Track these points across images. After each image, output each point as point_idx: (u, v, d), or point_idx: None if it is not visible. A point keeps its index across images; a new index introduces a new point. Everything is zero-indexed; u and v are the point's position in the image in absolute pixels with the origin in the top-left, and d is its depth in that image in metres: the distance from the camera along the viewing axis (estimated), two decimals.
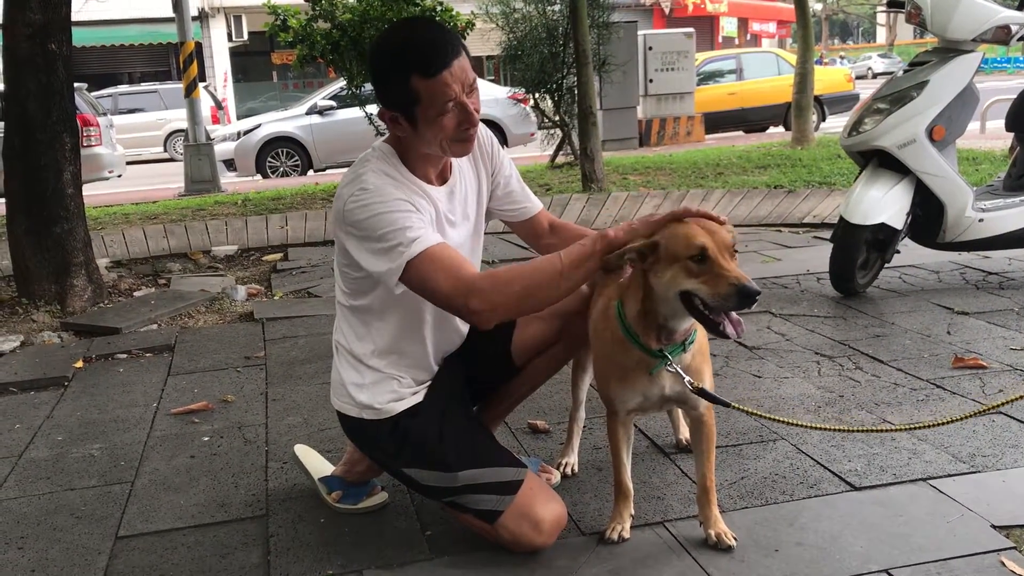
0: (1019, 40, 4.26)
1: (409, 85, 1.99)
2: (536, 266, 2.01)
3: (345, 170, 2.20)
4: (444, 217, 2.19)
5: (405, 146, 2.14)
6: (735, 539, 2.17)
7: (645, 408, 2.20)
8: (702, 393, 2.06)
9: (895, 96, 4.21)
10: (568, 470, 2.62)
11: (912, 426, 2.47)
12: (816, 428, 2.40)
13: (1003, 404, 2.26)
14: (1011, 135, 4.79)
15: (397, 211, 2.00)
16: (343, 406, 2.28)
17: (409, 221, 1.99)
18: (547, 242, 2.45)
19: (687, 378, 2.05)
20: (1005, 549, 2.11)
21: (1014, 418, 2.84)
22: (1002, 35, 4.15)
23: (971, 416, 2.22)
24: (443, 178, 2.23)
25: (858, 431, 2.77)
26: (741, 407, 2.13)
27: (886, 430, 2.53)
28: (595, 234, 2.03)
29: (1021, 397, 2.22)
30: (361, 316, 2.24)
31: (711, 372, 2.20)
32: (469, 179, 2.31)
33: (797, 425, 2.22)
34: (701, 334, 2.14)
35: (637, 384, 2.11)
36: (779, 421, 2.27)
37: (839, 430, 2.60)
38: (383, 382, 2.22)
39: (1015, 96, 4.74)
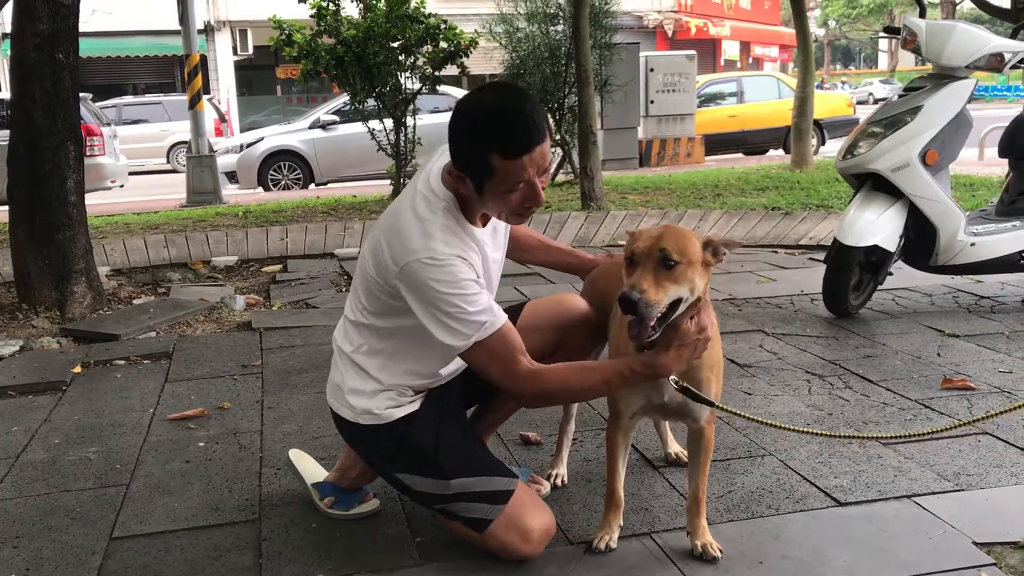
0: (1012, 68, 4.32)
1: (487, 159, 1.99)
2: (580, 382, 2.14)
3: (397, 211, 2.17)
4: (490, 257, 2.23)
5: (463, 196, 2.14)
6: (721, 551, 2.20)
7: (648, 413, 2.24)
8: (685, 391, 2.10)
9: (889, 120, 4.27)
10: (558, 481, 2.66)
11: (889, 437, 2.51)
12: (794, 431, 2.44)
13: (981, 419, 2.30)
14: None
15: (468, 293, 2.03)
16: (340, 409, 2.31)
17: (477, 305, 2.04)
18: (527, 245, 2.65)
19: (672, 376, 2.07)
20: (986, 565, 2.14)
21: (999, 438, 2.88)
22: (995, 62, 4.22)
23: (943, 431, 2.26)
24: (486, 218, 2.25)
25: (831, 436, 2.81)
26: (726, 408, 2.18)
27: (862, 437, 2.57)
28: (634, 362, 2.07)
29: (1000, 413, 2.25)
30: (380, 335, 2.24)
31: (718, 386, 2.20)
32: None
33: (776, 427, 2.26)
34: (714, 348, 2.16)
35: (642, 386, 2.14)
36: (761, 422, 2.30)
37: (814, 434, 2.64)
38: (384, 392, 2.25)
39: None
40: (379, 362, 2.25)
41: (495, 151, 1.97)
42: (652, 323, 1.93)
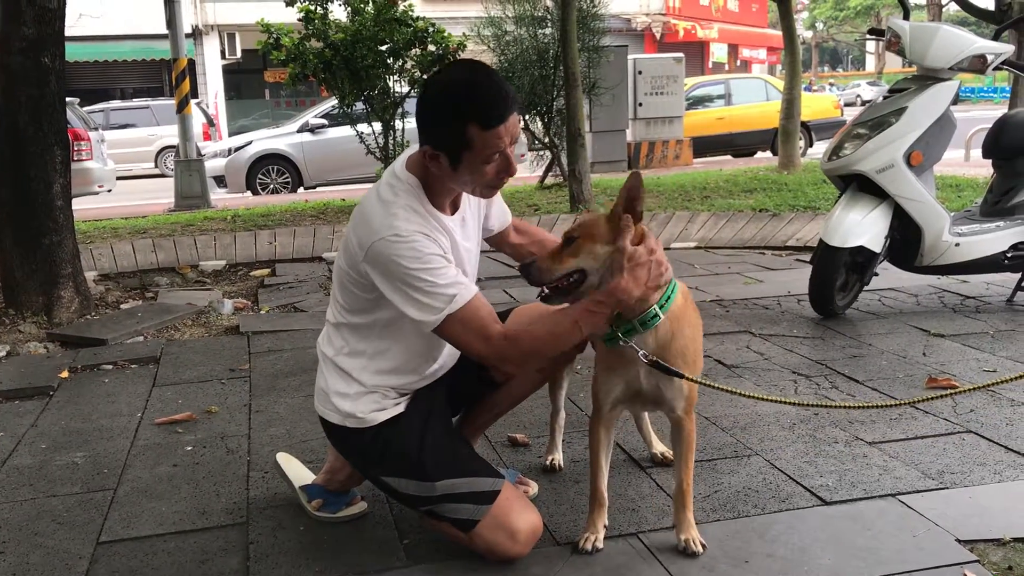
0: (994, 69, 4.35)
1: (464, 132, 2.04)
2: (551, 329, 2.13)
3: (366, 197, 2.21)
4: (460, 245, 2.25)
5: (432, 180, 2.18)
6: (704, 546, 2.22)
7: (627, 401, 2.26)
8: (655, 364, 2.13)
9: (874, 122, 4.30)
10: (555, 464, 2.75)
11: (851, 407, 2.52)
12: (757, 398, 2.44)
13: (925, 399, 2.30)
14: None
15: (434, 267, 2.06)
16: (327, 413, 2.32)
17: (445, 278, 2.06)
18: (518, 241, 2.59)
19: (641, 351, 2.12)
20: (969, 562, 2.16)
21: (983, 436, 2.90)
22: (978, 64, 4.25)
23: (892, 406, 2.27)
24: (455, 207, 2.28)
25: (798, 404, 2.82)
26: (697, 380, 2.19)
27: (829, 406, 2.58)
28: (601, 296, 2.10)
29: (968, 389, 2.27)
30: (360, 332, 2.26)
31: (694, 373, 2.20)
32: (472, 204, 2.37)
33: (739, 394, 2.26)
34: (689, 339, 2.19)
35: (619, 370, 2.19)
36: (723, 390, 2.29)
37: (782, 402, 2.65)
38: (368, 394, 2.26)
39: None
40: (361, 363, 2.26)
41: (473, 123, 2.03)
42: (546, 289, 2.14)
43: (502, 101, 2.04)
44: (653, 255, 2.08)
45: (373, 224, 2.10)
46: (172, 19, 11.14)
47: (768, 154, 15.67)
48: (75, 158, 10.17)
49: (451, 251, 2.17)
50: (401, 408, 2.29)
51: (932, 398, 2.27)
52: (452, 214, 2.26)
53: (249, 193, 13.41)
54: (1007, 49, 4.29)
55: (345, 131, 10.86)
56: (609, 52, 12.14)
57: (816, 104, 16.46)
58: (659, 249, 2.11)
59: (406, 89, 9.45)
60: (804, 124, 13.83)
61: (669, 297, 2.13)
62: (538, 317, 2.20)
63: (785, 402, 2.51)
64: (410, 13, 9.05)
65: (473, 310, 2.08)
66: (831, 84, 44.93)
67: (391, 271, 2.07)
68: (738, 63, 34.98)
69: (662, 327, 2.13)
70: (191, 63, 14.35)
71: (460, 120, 2.04)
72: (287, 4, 8.94)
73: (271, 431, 3.24)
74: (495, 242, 2.58)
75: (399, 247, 2.05)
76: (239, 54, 24.78)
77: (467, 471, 2.23)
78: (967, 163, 11.58)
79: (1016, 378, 2.17)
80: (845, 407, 2.83)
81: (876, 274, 4.45)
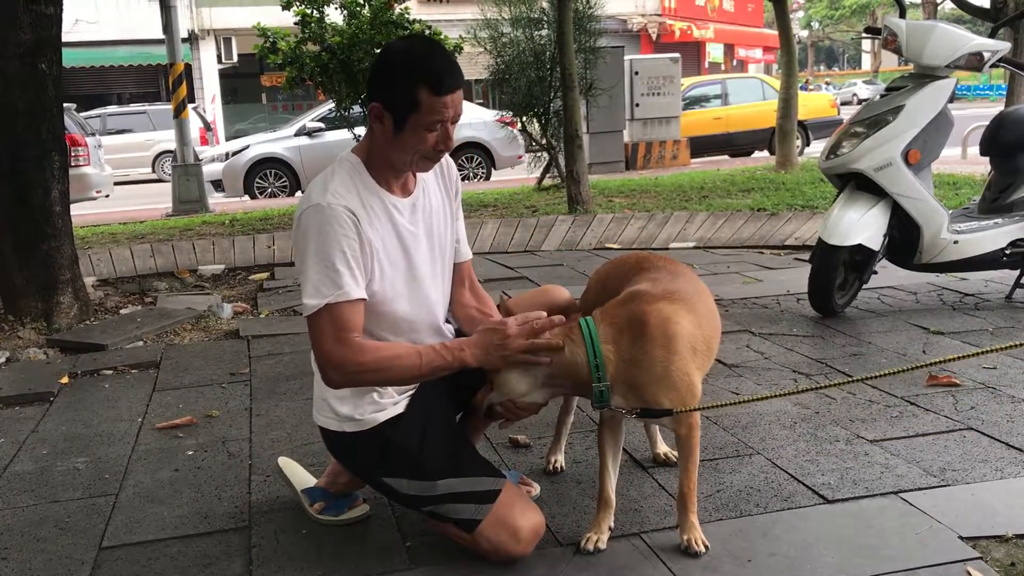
0: (991, 67, 4.36)
1: (415, 93, 2.10)
2: (401, 363, 2.15)
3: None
4: (403, 227, 2.26)
5: (373, 154, 2.24)
6: (706, 547, 2.22)
7: (619, 416, 2.27)
8: (640, 415, 2.17)
9: (872, 120, 4.30)
10: (557, 466, 2.75)
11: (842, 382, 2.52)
12: (746, 401, 2.45)
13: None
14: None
15: (334, 249, 2.11)
16: (325, 421, 2.32)
17: (344, 265, 2.12)
18: (463, 298, 2.53)
19: (621, 409, 2.17)
20: (972, 559, 2.16)
21: (984, 433, 2.91)
22: (975, 62, 4.26)
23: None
24: (406, 191, 2.31)
25: (784, 395, 2.83)
26: (678, 410, 2.16)
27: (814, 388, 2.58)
28: (455, 347, 2.16)
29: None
30: None
31: (680, 397, 2.15)
32: (435, 201, 2.38)
33: (732, 404, 2.26)
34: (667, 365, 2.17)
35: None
36: (717, 406, 2.31)
37: (772, 396, 2.65)
38: (363, 393, 2.26)
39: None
40: None
41: (424, 86, 2.10)
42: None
43: (454, 74, 2.14)
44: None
45: (309, 194, 2.20)
46: (168, 24, 11.15)
47: (765, 153, 15.70)
48: (73, 164, 10.11)
49: (388, 232, 2.22)
50: (401, 408, 2.29)
51: (913, 369, 2.25)
52: (403, 197, 2.29)
53: (247, 197, 13.42)
54: (1003, 46, 4.29)
55: (342, 135, 10.87)
56: (605, 53, 12.15)
57: (813, 103, 16.48)
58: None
59: None
60: (801, 123, 13.85)
61: (598, 365, 2.11)
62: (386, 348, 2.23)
63: (779, 395, 2.51)
64: (406, 16, 9.05)
65: (351, 310, 2.12)
66: (827, 83, 45.00)
67: (303, 238, 2.15)
68: (734, 63, 35.01)
69: (615, 382, 2.13)
70: (188, 68, 14.37)
71: (413, 81, 2.10)
72: (283, 8, 8.93)
73: (272, 435, 3.24)
74: None
75: (318, 218, 2.12)
76: (235, 58, 24.79)
77: (468, 470, 2.23)
78: (964, 160, 11.61)
79: (1013, 346, 2.10)
80: (830, 386, 2.79)
81: (875, 272, 4.46)
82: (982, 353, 2.11)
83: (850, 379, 2.73)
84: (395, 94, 2.14)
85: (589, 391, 2.15)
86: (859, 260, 4.34)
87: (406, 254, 2.27)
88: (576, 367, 2.13)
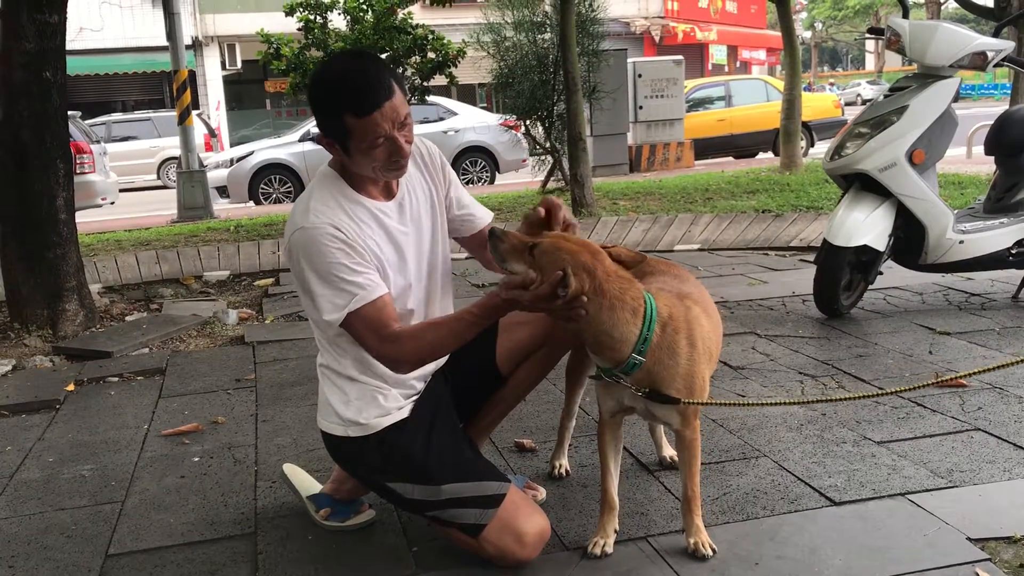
0: (996, 66, 4.35)
1: (342, 121, 2.10)
2: (450, 327, 2.16)
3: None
4: (395, 230, 2.26)
5: (347, 169, 2.24)
6: (713, 550, 2.21)
7: (623, 412, 2.27)
8: (649, 396, 2.14)
9: (876, 120, 4.29)
10: (561, 471, 2.74)
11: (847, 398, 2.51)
12: (751, 404, 2.44)
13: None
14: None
15: (336, 261, 2.12)
16: (330, 426, 2.31)
17: (350, 275, 2.11)
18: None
19: (632, 387, 2.14)
20: (980, 561, 2.15)
21: (991, 434, 2.89)
22: (978, 61, 4.25)
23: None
24: (390, 193, 2.30)
25: (790, 403, 2.81)
26: (686, 401, 2.15)
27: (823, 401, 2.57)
28: (491, 295, 2.11)
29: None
30: (345, 335, 2.26)
31: (693, 394, 2.16)
32: (420, 194, 2.37)
33: (736, 405, 2.25)
34: (689, 363, 2.17)
35: (610, 388, 2.21)
36: (720, 404, 2.30)
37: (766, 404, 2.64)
38: (367, 396, 2.25)
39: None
40: (348, 363, 2.27)
41: (347, 112, 2.08)
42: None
43: (375, 89, 2.07)
44: (573, 306, 2.01)
45: (292, 218, 2.21)
46: (172, 31, 11.16)
47: (770, 155, 15.68)
48: (78, 171, 10.17)
49: (382, 237, 2.21)
50: (405, 413, 2.28)
51: (923, 387, 2.25)
52: (388, 200, 2.28)
53: (252, 203, 13.43)
54: (1007, 46, 4.28)
55: None
56: (609, 56, 12.16)
57: (817, 104, 16.46)
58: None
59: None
60: (805, 124, 13.82)
61: (647, 339, 2.08)
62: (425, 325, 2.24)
63: (780, 403, 2.50)
64: (409, 21, 9.07)
65: (377, 308, 2.12)
66: (831, 84, 44.91)
67: (297, 264, 2.17)
68: (738, 64, 34.99)
69: (646, 362, 2.11)
70: (192, 74, 14.38)
71: (335, 109, 2.10)
72: (287, 14, 8.97)
73: (278, 440, 3.24)
74: (472, 245, 2.55)
75: (305, 240, 2.14)
76: (239, 65, 24.85)
77: (472, 475, 2.23)
78: (969, 160, 11.58)
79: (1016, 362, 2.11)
80: (839, 399, 2.78)
81: (880, 273, 4.44)
82: (994, 368, 2.11)
83: (858, 395, 2.71)
84: (327, 126, 2.15)
85: (594, 351, 2.12)
86: (864, 261, 4.33)
87: (402, 255, 2.27)
88: (614, 327, 2.05)
